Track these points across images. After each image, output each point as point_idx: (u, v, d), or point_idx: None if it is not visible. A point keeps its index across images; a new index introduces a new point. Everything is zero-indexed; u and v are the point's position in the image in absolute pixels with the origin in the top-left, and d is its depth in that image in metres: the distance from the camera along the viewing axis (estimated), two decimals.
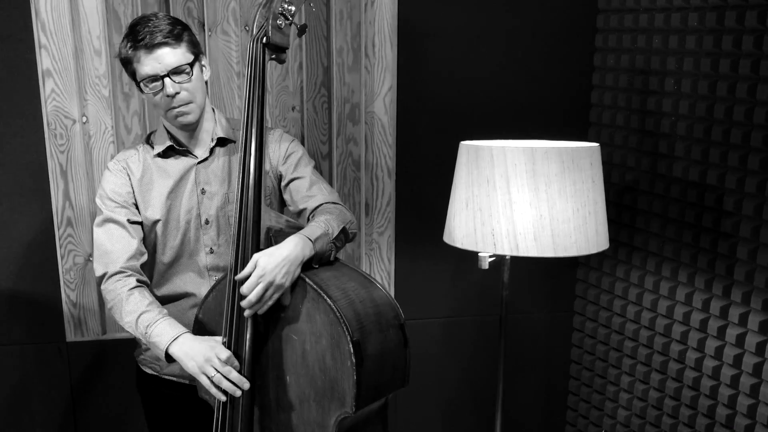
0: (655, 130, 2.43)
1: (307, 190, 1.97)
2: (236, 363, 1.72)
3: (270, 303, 1.69)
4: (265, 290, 1.67)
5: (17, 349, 2.53)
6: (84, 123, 2.43)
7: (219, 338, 1.76)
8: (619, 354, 2.65)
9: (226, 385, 1.70)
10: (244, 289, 1.67)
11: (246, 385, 1.71)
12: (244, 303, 1.68)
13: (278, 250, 1.69)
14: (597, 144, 2.04)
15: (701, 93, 2.24)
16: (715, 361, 2.24)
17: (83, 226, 2.47)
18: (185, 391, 2.00)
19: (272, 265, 1.66)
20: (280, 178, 2.01)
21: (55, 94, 2.39)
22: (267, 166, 1.97)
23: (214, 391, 1.71)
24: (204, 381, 1.70)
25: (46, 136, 2.40)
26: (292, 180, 1.99)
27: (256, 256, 1.68)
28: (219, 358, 1.69)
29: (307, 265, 1.74)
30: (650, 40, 2.42)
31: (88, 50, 2.39)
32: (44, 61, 2.36)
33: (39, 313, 2.51)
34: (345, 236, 1.90)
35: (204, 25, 2.44)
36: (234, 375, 1.70)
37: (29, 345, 2.53)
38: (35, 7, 2.31)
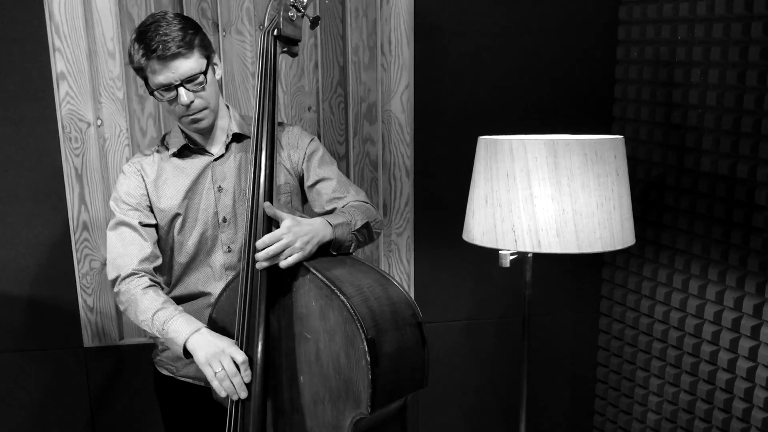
0: (681, 123, 2.35)
1: (334, 191, 1.94)
2: (249, 372, 1.69)
3: (282, 263, 1.64)
4: (284, 248, 1.64)
5: (35, 355, 2.51)
6: (99, 126, 2.41)
7: (233, 341, 1.73)
8: (648, 356, 2.57)
9: (227, 384, 1.68)
10: (266, 238, 1.64)
11: (243, 394, 1.69)
12: (259, 254, 1.64)
13: (304, 220, 1.69)
14: (621, 136, 1.97)
15: (729, 83, 2.17)
16: (749, 362, 2.15)
17: (99, 230, 2.45)
18: (200, 392, 1.97)
19: (297, 228, 1.65)
20: (301, 177, 1.97)
21: (70, 97, 2.37)
22: (288, 164, 1.95)
23: (215, 384, 1.69)
24: (208, 373, 1.68)
25: (61, 139, 2.39)
26: (318, 181, 1.96)
27: (284, 215, 1.67)
28: (233, 358, 1.68)
29: (325, 251, 1.72)
30: (675, 30, 2.34)
31: (102, 52, 2.37)
32: (58, 64, 2.35)
33: (56, 318, 2.50)
34: (368, 232, 1.86)
35: (218, 25, 2.42)
36: (237, 380, 1.68)
37: (47, 351, 2.52)
38: (49, 10, 2.31)
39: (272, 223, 1.70)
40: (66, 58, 2.35)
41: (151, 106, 2.44)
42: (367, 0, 2.47)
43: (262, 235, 1.68)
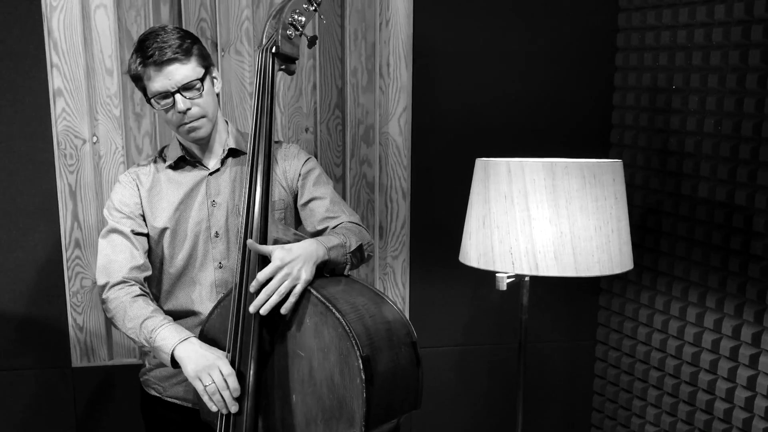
0: (679, 150, 2.35)
1: (327, 210, 1.92)
2: (237, 385, 1.66)
3: (287, 300, 1.61)
4: (282, 281, 1.61)
5: (23, 374, 2.47)
6: (94, 143, 2.40)
7: (225, 353, 1.71)
8: (645, 384, 2.53)
9: (217, 398, 1.64)
10: (260, 275, 1.61)
11: (234, 408, 1.66)
12: (261, 304, 1.61)
13: (293, 245, 1.65)
14: (619, 160, 1.97)
15: (727, 110, 2.17)
16: (747, 391, 2.12)
17: (92, 248, 2.42)
18: (187, 414, 1.93)
19: (289, 257, 1.62)
20: (296, 195, 1.96)
21: (66, 114, 2.36)
22: (283, 182, 1.94)
23: (206, 399, 1.65)
24: (198, 386, 1.65)
25: (56, 155, 2.37)
26: (312, 199, 1.94)
27: (271, 248, 1.63)
28: (221, 371, 1.64)
29: (319, 273, 1.69)
30: (672, 57, 2.36)
31: (100, 70, 2.37)
32: (55, 81, 2.34)
33: (45, 337, 2.46)
34: (361, 255, 1.84)
35: (217, 45, 2.42)
36: (226, 394, 1.65)
37: (35, 370, 2.47)
38: (48, 26, 2.31)
39: (266, 241, 1.68)
40: (63, 75, 2.34)
41: (147, 124, 2.43)
42: (367, 23, 2.48)
43: (255, 254, 1.65)
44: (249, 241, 1.66)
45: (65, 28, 2.32)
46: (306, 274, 1.62)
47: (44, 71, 2.32)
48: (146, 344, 1.75)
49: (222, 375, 1.64)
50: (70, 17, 2.31)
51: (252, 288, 1.63)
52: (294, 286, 1.61)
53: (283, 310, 1.62)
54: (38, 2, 2.28)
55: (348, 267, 1.78)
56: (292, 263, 1.62)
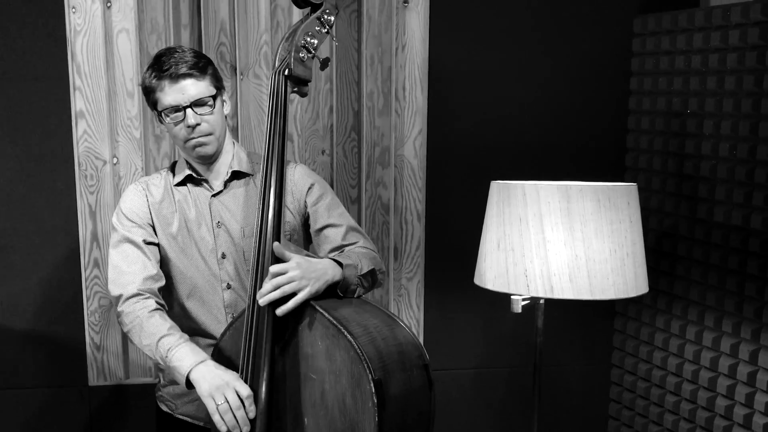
0: (694, 174, 2.35)
1: (343, 239, 1.93)
2: (253, 407, 1.66)
3: (286, 302, 1.63)
4: (291, 281, 1.63)
5: (40, 392, 2.49)
6: (114, 164, 2.44)
7: (239, 374, 1.71)
8: (660, 409, 2.51)
9: (229, 417, 1.63)
10: (273, 268, 1.64)
11: (245, 429, 1.65)
12: (266, 285, 1.63)
13: (312, 259, 1.69)
14: (634, 183, 1.97)
15: (742, 134, 2.17)
16: (764, 417, 2.10)
17: None
18: None
19: (306, 265, 1.65)
20: (306, 217, 1.97)
21: (87, 135, 2.41)
22: (289, 202, 1.94)
23: (216, 418, 1.64)
24: (210, 405, 1.64)
25: (77, 176, 2.41)
26: (326, 226, 1.95)
27: (294, 255, 1.67)
28: (237, 392, 1.64)
29: (332, 292, 1.70)
30: (687, 82, 2.36)
31: (121, 92, 2.41)
32: (78, 103, 2.39)
33: (62, 355, 2.48)
34: (373, 279, 1.85)
35: (236, 68, 2.46)
36: (240, 413, 1.64)
37: (52, 388, 2.50)
38: (71, 50, 2.36)
39: (278, 262, 1.69)
40: (85, 97, 2.39)
41: (166, 145, 2.46)
42: (383, 48, 2.51)
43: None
44: (276, 243, 1.67)
45: (88, 51, 2.37)
46: (313, 287, 1.64)
47: (67, 93, 2.37)
48: (161, 362, 1.75)
49: (238, 395, 1.64)
50: (93, 41, 2.36)
51: (272, 271, 1.64)
52: (298, 292, 1.63)
53: (279, 311, 1.62)
54: (62, 26, 2.34)
55: (359, 290, 1.79)
56: (306, 271, 1.64)
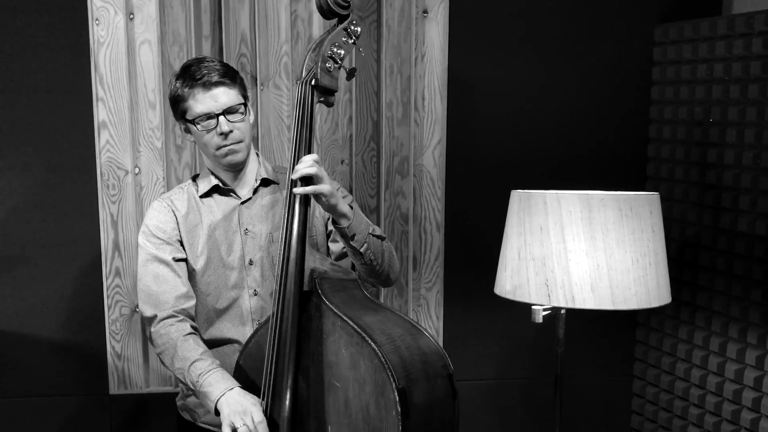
0: (716, 183, 2.33)
1: None
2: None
3: (310, 187, 1.69)
4: (317, 172, 1.68)
5: (61, 400, 2.50)
6: (136, 174, 2.46)
7: (260, 399, 1.73)
8: (684, 422, 2.48)
9: None
10: (306, 157, 1.70)
11: None
12: (300, 165, 1.70)
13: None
14: (656, 192, 1.96)
15: (766, 143, 2.15)
16: None
17: (131, 277, 2.47)
18: None
19: (329, 180, 1.72)
20: (328, 219, 1.98)
21: (110, 146, 2.43)
22: (317, 210, 1.96)
23: None
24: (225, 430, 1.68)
25: (99, 186, 2.43)
26: None
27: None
28: (253, 417, 1.67)
29: (341, 286, 1.73)
30: (709, 90, 2.35)
31: (143, 103, 2.44)
32: (100, 113, 2.41)
33: (83, 364, 2.50)
34: (382, 255, 1.85)
35: (257, 79, 2.47)
36: None
37: (73, 397, 2.51)
38: (94, 61, 2.38)
39: (303, 271, 1.70)
40: (108, 108, 2.41)
41: (188, 156, 2.48)
42: (402, 58, 2.52)
43: (293, 283, 1.67)
44: (297, 189, 1.70)
45: (111, 62, 2.39)
46: (328, 190, 1.70)
47: (90, 104, 2.40)
48: (192, 386, 1.77)
49: (253, 421, 1.66)
50: (116, 52, 2.39)
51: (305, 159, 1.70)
52: (318, 188, 1.69)
53: (296, 190, 1.69)
54: (86, 38, 2.37)
55: (366, 248, 1.79)
56: (329, 181, 1.71)
